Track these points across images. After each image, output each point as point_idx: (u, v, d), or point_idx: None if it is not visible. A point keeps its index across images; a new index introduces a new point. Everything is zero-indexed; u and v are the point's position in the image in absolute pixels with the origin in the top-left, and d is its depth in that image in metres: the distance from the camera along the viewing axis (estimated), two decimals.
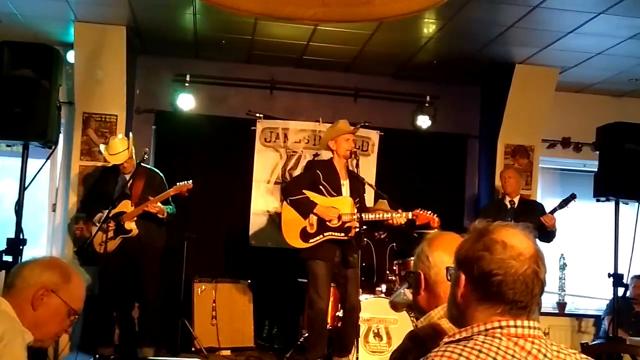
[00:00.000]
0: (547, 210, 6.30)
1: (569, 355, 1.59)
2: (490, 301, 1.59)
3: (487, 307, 1.60)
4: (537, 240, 6.14)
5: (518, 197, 6.50)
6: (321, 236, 5.56)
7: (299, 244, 5.61)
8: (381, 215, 5.60)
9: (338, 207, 5.60)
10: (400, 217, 5.58)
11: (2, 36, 5.37)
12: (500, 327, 1.55)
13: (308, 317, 5.53)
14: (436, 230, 5.30)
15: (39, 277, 2.27)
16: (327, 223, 5.57)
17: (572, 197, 6.04)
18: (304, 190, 5.60)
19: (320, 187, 5.62)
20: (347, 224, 5.57)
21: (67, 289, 2.29)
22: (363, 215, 5.44)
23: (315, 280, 5.52)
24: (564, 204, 6.08)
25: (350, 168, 6.31)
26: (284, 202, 5.77)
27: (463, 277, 1.64)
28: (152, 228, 6.10)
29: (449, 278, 1.74)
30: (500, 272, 1.58)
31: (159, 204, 6.00)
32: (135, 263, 6.08)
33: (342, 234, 5.57)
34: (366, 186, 5.92)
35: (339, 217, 5.55)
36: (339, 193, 5.68)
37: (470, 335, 1.55)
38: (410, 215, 5.61)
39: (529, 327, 1.57)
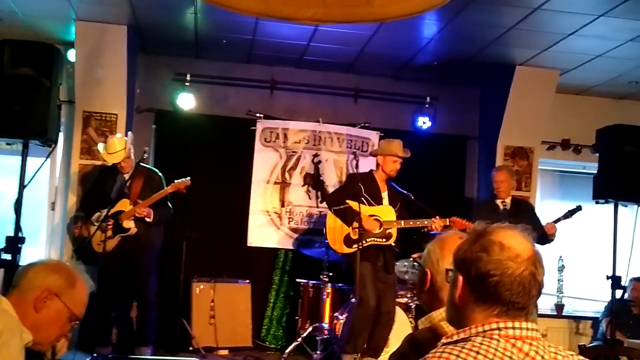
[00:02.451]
0: (544, 212, 6.33)
1: (567, 357, 1.59)
2: (487, 302, 1.59)
3: (484, 308, 1.60)
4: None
5: (509, 197, 6.46)
6: (364, 242, 5.79)
7: (342, 249, 5.93)
8: (420, 222, 5.90)
9: (380, 215, 5.89)
10: (438, 223, 5.83)
11: (2, 34, 5.38)
12: (498, 329, 1.55)
13: (355, 313, 5.74)
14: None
15: (44, 279, 2.26)
16: (369, 233, 5.83)
17: (578, 208, 6.03)
18: (347, 201, 5.86)
19: (362, 198, 5.86)
20: (389, 230, 5.85)
21: (70, 294, 2.29)
22: (403, 222, 5.85)
23: (364, 279, 5.72)
24: (569, 214, 6.06)
25: (351, 168, 6.34)
26: (328, 213, 6.09)
27: (461, 278, 1.64)
28: (150, 227, 6.10)
29: (448, 280, 1.74)
30: (497, 273, 1.58)
31: (147, 207, 5.99)
32: (134, 262, 6.08)
33: (384, 240, 5.86)
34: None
35: (380, 225, 5.83)
36: (380, 204, 5.97)
37: (468, 337, 1.55)
38: (447, 221, 5.88)
39: (527, 329, 1.57)
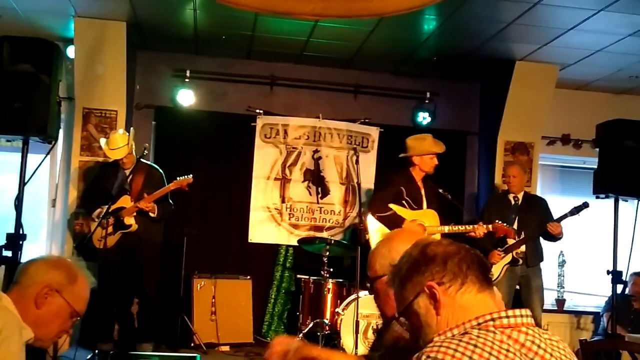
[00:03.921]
0: (557, 209, 6.35)
1: (559, 342, 1.60)
2: (464, 284, 1.63)
3: (466, 291, 1.62)
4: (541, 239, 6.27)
5: (522, 192, 6.52)
6: None
7: None
8: (463, 227, 5.91)
9: (423, 220, 5.87)
10: (481, 230, 5.87)
11: (1, 31, 5.38)
12: (492, 320, 1.56)
13: None
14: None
15: (44, 275, 2.26)
16: None
17: (585, 205, 6.06)
18: (390, 205, 5.83)
19: (403, 201, 5.86)
20: (432, 236, 5.70)
21: (71, 290, 2.28)
22: (447, 227, 5.83)
23: None
24: (575, 211, 6.09)
25: (351, 164, 6.34)
26: (369, 215, 6.01)
27: (434, 283, 1.63)
28: (150, 224, 6.11)
29: (417, 308, 1.69)
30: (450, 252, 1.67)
31: (152, 202, 6.00)
32: (135, 259, 6.08)
33: None
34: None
35: (424, 230, 5.81)
36: (420, 206, 5.94)
37: (464, 331, 1.56)
38: (490, 227, 5.93)
39: (520, 316, 1.58)
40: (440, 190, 6.08)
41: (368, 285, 2.30)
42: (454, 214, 6.49)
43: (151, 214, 6.03)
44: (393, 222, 5.78)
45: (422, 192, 5.97)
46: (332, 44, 6.99)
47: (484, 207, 6.96)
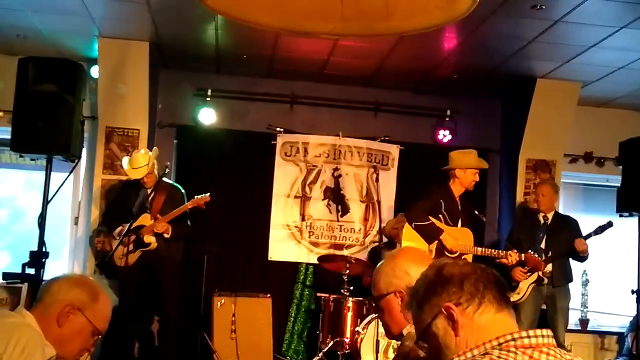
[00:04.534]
0: (582, 227, 6.29)
1: None
2: (482, 304, 1.61)
3: (484, 311, 1.61)
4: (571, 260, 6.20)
5: (552, 212, 6.45)
6: None
7: None
8: (496, 252, 5.85)
9: (459, 237, 5.77)
10: (513, 257, 5.82)
11: (26, 52, 5.48)
12: (513, 340, 1.54)
13: None
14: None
15: (66, 293, 2.27)
16: (446, 252, 5.70)
17: (609, 224, 5.98)
18: (429, 217, 5.75)
19: (440, 215, 5.78)
20: (464, 256, 5.72)
21: (93, 308, 2.29)
22: (480, 249, 5.76)
23: None
24: (599, 230, 6.02)
25: (371, 182, 6.26)
26: (406, 225, 5.89)
27: (452, 305, 1.63)
28: (170, 242, 6.13)
29: (435, 330, 1.68)
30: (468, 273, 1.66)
31: (165, 223, 6.02)
32: (155, 277, 6.10)
33: None
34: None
35: (429, 252, 5.71)
36: (456, 223, 5.85)
37: (484, 352, 1.54)
38: (523, 257, 5.87)
39: (542, 336, 1.56)
40: (476, 212, 6.01)
41: (373, 304, 2.30)
42: (475, 230, 6.44)
43: (165, 235, 6.04)
44: (431, 233, 5.71)
45: (460, 208, 5.89)
46: (352, 62, 7.01)
47: (513, 225, 6.89)
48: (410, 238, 5.84)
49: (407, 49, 6.49)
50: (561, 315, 6.21)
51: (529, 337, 1.55)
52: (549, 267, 6.09)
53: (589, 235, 6.06)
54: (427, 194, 5.96)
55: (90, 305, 2.29)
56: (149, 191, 6.10)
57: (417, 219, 5.79)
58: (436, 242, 5.71)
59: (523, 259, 5.88)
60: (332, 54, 6.78)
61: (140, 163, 6.11)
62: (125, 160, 6.29)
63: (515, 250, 5.87)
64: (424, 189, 6.07)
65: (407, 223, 5.89)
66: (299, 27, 2.05)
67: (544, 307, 6.32)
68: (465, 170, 5.85)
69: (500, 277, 1.70)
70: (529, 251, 5.96)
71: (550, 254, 6.14)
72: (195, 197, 6.10)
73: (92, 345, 2.35)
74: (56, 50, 6.63)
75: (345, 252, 7.25)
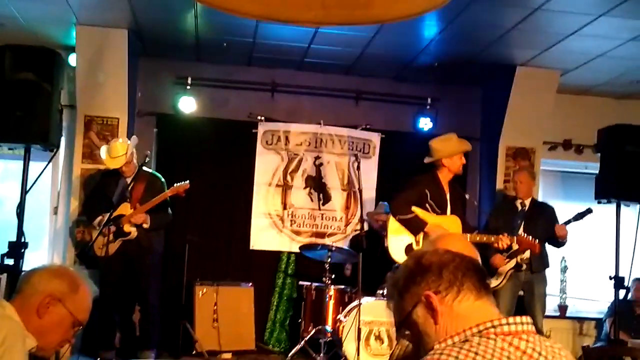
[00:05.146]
0: (558, 214, 6.34)
1: (561, 349, 1.60)
2: (460, 292, 1.63)
3: (463, 299, 1.62)
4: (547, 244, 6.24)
5: (530, 198, 6.51)
6: None
7: (402, 259, 5.74)
8: (486, 237, 5.77)
9: (447, 226, 5.69)
10: (504, 241, 5.77)
11: (4, 39, 5.40)
12: (493, 327, 1.56)
13: None
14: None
15: (46, 284, 2.26)
16: None
17: (589, 211, 6.03)
18: (413, 208, 5.70)
19: (427, 205, 5.73)
20: None
21: (73, 299, 2.28)
22: (469, 236, 5.59)
23: None
24: (579, 217, 6.07)
25: (352, 170, 6.19)
26: (390, 217, 5.84)
27: (431, 293, 1.64)
28: (150, 231, 6.10)
29: (415, 318, 1.69)
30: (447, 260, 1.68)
31: (143, 214, 5.99)
32: (135, 266, 6.08)
33: None
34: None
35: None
36: (444, 211, 5.80)
37: (464, 339, 1.56)
38: (515, 239, 5.83)
39: (521, 323, 1.58)
40: (467, 195, 6.00)
41: None
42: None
43: (144, 225, 6.01)
44: (415, 226, 5.69)
45: (448, 196, 5.85)
46: (333, 50, 7.00)
47: (490, 211, 6.95)
48: (395, 230, 5.83)
49: (388, 37, 6.50)
50: (539, 302, 6.28)
51: (508, 324, 1.57)
52: (527, 254, 6.14)
53: (568, 222, 6.12)
54: (412, 185, 5.90)
55: (71, 296, 2.28)
56: (128, 180, 6.06)
57: (400, 211, 5.76)
58: (422, 233, 5.71)
59: (515, 242, 5.85)
60: (313, 42, 6.76)
61: (118, 152, 6.06)
62: (103, 150, 6.22)
63: (506, 234, 5.86)
64: (406, 177, 6.05)
65: (392, 216, 5.85)
66: (279, 15, 2.03)
67: (520, 293, 6.38)
68: (452, 157, 5.81)
69: (480, 264, 1.71)
70: (522, 233, 5.96)
71: None
72: (175, 184, 6.07)
73: (73, 336, 2.34)
74: (34, 38, 6.54)
75: (326, 241, 7.27)
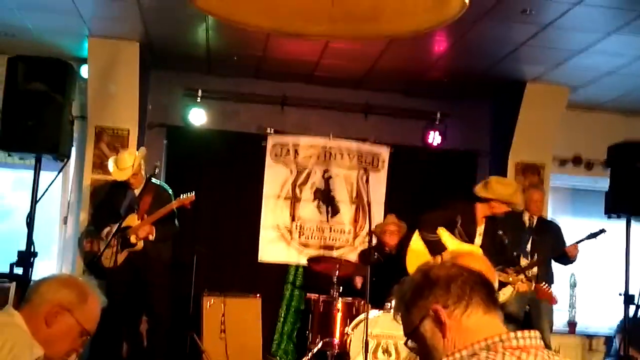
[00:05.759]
0: (568, 231, 6.31)
1: None
2: (469, 306, 1.62)
3: (472, 313, 1.62)
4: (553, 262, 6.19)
5: (537, 216, 6.48)
6: None
7: None
8: (504, 277, 5.60)
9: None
10: (523, 286, 5.66)
11: (16, 51, 5.45)
12: (502, 341, 1.56)
13: None
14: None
15: (55, 294, 2.26)
16: None
17: (602, 231, 6.00)
18: (439, 229, 5.65)
19: (456, 230, 5.68)
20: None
21: (82, 309, 2.28)
22: None
23: None
24: (592, 236, 6.04)
25: (361, 184, 6.15)
26: (416, 232, 5.80)
27: (439, 307, 1.64)
28: (157, 242, 6.10)
29: (423, 332, 1.69)
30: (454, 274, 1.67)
31: (148, 226, 5.99)
32: (143, 277, 6.08)
33: None
34: None
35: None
36: (472, 241, 5.72)
37: (472, 353, 1.55)
38: (533, 286, 5.72)
39: (529, 337, 1.57)
40: (500, 233, 5.93)
41: None
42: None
43: (149, 237, 6.02)
44: (435, 248, 5.62)
45: (478, 228, 5.74)
46: (342, 64, 7.02)
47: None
48: (417, 246, 5.80)
49: (397, 52, 6.52)
50: (546, 317, 6.25)
51: (516, 338, 1.56)
52: (535, 270, 6.11)
53: (580, 241, 6.09)
54: (446, 207, 5.84)
55: (79, 306, 2.28)
56: (136, 192, 6.08)
57: (427, 230, 5.71)
58: (439, 256, 5.65)
59: (533, 288, 5.75)
60: (322, 56, 6.79)
61: (126, 164, 6.06)
62: (111, 161, 6.21)
63: (524, 277, 5.73)
64: (412, 191, 6.03)
65: (417, 230, 5.81)
66: (288, 28, 2.05)
67: (527, 308, 6.35)
68: (501, 203, 5.65)
69: (488, 279, 1.71)
70: (543, 284, 5.84)
71: (536, 256, 6.17)
72: (181, 196, 6.08)
73: (81, 346, 2.34)
74: (46, 50, 6.58)
75: (334, 254, 7.26)
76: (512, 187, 5.76)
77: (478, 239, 5.77)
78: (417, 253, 5.77)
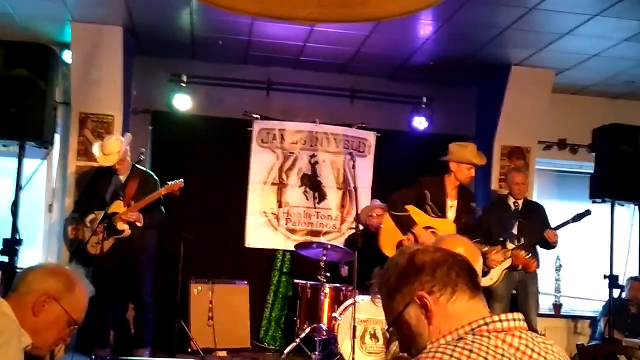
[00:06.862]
0: (553, 214, 6.34)
1: (552, 346, 1.61)
2: (455, 292, 1.62)
3: (457, 299, 1.61)
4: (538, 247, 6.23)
5: (522, 199, 6.51)
6: None
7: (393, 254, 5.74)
8: (481, 247, 5.59)
9: (439, 228, 5.66)
10: (498, 254, 5.79)
11: None
12: (486, 324, 1.56)
13: None
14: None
15: (42, 283, 2.25)
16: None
17: (587, 212, 5.97)
18: (407, 206, 5.67)
19: (427, 205, 5.71)
20: None
21: (69, 298, 2.27)
22: None
23: None
24: (577, 218, 6.01)
25: (348, 169, 6.12)
26: (387, 213, 5.85)
27: (424, 293, 1.62)
28: (143, 229, 6.08)
29: (407, 318, 1.67)
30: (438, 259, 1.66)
31: (136, 212, 5.97)
32: (128, 264, 6.06)
33: None
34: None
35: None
36: (444, 214, 5.75)
37: (458, 337, 1.55)
38: (509, 254, 5.82)
39: (513, 320, 1.58)
40: (472, 205, 5.96)
41: None
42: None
43: (137, 223, 6.00)
44: (405, 224, 5.66)
45: (449, 200, 5.78)
46: (328, 48, 6.99)
47: (483, 210, 6.94)
48: (388, 226, 5.83)
49: (383, 36, 6.50)
50: (532, 300, 6.30)
51: (500, 321, 1.57)
52: (524, 253, 6.14)
53: (566, 223, 6.09)
54: (413, 184, 5.89)
55: (66, 294, 2.26)
56: (122, 178, 6.05)
57: (395, 207, 5.76)
58: (409, 233, 5.69)
59: (509, 256, 5.84)
60: (308, 40, 6.76)
61: (111, 149, 6.02)
62: (96, 147, 6.17)
63: (500, 247, 5.84)
64: (401, 176, 6.05)
65: (387, 210, 5.88)
66: (274, 13, 2.03)
67: (513, 292, 6.39)
68: (459, 164, 5.75)
69: (471, 264, 1.70)
70: (520, 250, 5.93)
71: (523, 240, 6.20)
72: (169, 183, 6.05)
73: (68, 335, 2.33)
74: (28, 35, 6.52)
75: (322, 239, 7.27)
76: (466, 147, 5.83)
77: (451, 213, 5.79)
78: (388, 231, 5.80)
